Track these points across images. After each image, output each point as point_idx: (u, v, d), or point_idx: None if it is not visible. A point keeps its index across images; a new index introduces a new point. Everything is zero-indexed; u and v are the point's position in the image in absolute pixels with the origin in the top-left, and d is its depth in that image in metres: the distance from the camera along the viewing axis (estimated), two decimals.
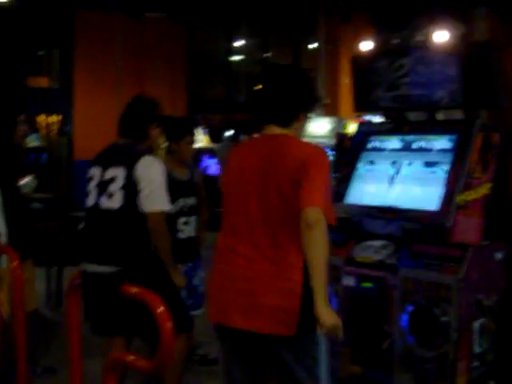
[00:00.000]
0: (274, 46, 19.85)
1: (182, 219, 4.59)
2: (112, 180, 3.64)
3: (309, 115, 3.11)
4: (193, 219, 4.66)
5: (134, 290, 2.67)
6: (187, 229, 4.61)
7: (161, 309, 2.25)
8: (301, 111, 2.98)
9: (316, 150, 2.90)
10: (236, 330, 2.83)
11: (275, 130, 2.94)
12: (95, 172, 3.72)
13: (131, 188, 3.59)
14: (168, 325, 2.19)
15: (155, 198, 3.63)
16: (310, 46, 16.57)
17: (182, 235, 4.56)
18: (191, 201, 4.66)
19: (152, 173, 3.65)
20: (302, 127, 3.04)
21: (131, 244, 3.63)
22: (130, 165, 3.62)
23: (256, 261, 2.80)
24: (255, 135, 3.10)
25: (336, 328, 2.73)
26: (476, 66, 3.95)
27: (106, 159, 3.75)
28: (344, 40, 12.51)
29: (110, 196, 3.62)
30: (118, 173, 3.63)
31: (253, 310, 2.78)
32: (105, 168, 3.69)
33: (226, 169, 3.11)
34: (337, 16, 12.74)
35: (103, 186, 3.65)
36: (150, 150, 4.04)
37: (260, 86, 3.10)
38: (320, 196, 2.73)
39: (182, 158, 4.74)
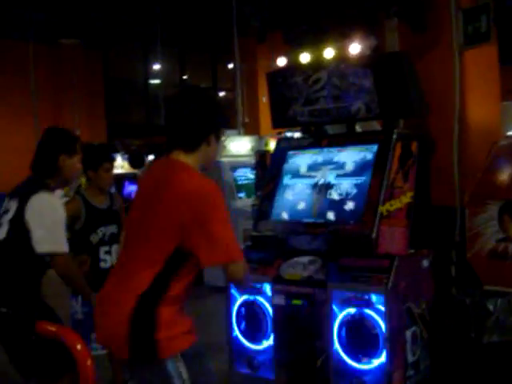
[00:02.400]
0: (192, 67, 19.84)
1: (104, 248, 4.45)
2: (6, 211, 3.56)
3: (221, 139, 3.01)
4: (115, 248, 4.52)
5: (50, 327, 2.54)
6: (109, 258, 4.47)
7: (79, 346, 2.14)
8: (208, 135, 2.82)
9: (210, 188, 2.66)
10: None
11: (180, 155, 2.77)
12: (5, 204, 3.63)
13: (18, 224, 3.47)
14: (88, 362, 2.08)
15: (48, 240, 3.50)
16: (229, 66, 16.63)
17: (104, 265, 4.42)
18: (112, 229, 4.54)
19: (43, 213, 3.54)
20: (213, 151, 2.89)
21: (12, 282, 3.47)
22: (21, 201, 3.51)
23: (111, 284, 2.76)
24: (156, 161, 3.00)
25: None
26: (389, 77, 3.98)
27: (13, 192, 3.66)
28: (261, 59, 12.57)
29: (1, 226, 3.54)
30: (12, 205, 3.54)
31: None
32: (9, 200, 3.61)
33: None
34: (252, 36, 12.79)
35: (1, 217, 3.59)
36: (65, 183, 3.93)
37: (165, 109, 3.03)
38: (236, 247, 2.58)
39: (100, 186, 4.62)
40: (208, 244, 2.51)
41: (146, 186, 2.83)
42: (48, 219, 3.53)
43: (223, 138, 3.11)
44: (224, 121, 3.04)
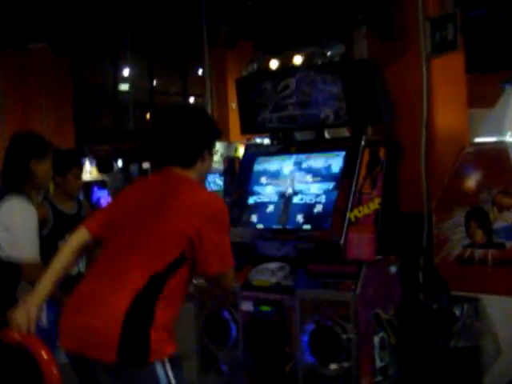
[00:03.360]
0: (162, 73, 19.76)
1: None
2: None
3: (213, 152, 3.06)
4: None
5: (15, 336, 2.49)
6: (76, 264, 4.42)
7: (45, 355, 2.11)
8: (202, 152, 2.90)
9: (218, 202, 2.85)
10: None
11: (177, 169, 2.87)
12: None
13: None
14: (54, 371, 2.05)
15: (17, 247, 3.47)
16: (199, 72, 16.60)
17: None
18: None
19: (12, 220, 3.49)
20: (207, 165, 2.98)
21: None
22: None
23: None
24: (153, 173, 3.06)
25: None
26: (358, 84, 4.01)
27: None
28: (230, 65, 12.55)
29: None
30: None
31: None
32: None
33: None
34: (221, 42, 12.78)
35: None
36: (38, 188, 3.88)
37: (156, 128, 3.05)
38: (230, 256, 2.79)
39: (68, 192, 4.57)
40: (212, 254, 2.70)
41: (146, 194, 2.87)
42: (16, 227, 3.48)
43: (215, 150, 3.15)
44: (216, 135, 3.07)
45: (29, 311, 2.68)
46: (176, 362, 2.61)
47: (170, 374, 2.55)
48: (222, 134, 3.27)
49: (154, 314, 2.57)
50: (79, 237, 2.93)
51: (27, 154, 3.74)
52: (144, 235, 2.73)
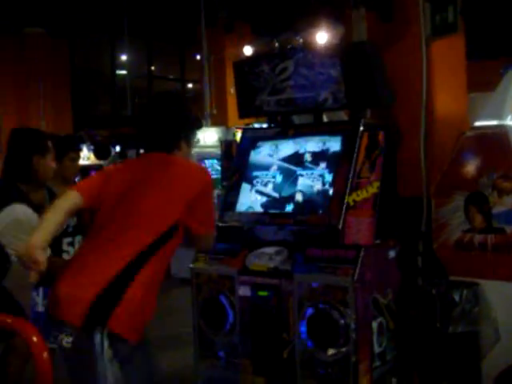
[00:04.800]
0: (160, 58, 19.70)
1: (67, 239, 4.39)
2: None
3: (192, 142, 3.14)
4: (78, 239, 4.45)
5: (5, 319, 2.47)
6: (72, 250, 4.40)
7: (35, 338, 2.08)
8: (178, 141, 3.05)
9: (207, 172, 3.15)
10: None
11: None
12: None
13: None
14: (44, 355, 2.03)
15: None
16: (197, 57, 16.53)
17: (67, 256, 4.35)
18: (76, 220, 4.46)
19: (13, 227, 3.52)
20: (185, 155, 3.11)
21: None
22: None
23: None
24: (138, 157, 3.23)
25: None
26: (357, 66, 3.96)
27: None
28: (228, 50, 12.49)
29: None
30: None
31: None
32: None
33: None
34: (219, 26, 12.71)
35: None
36: (40, 185, 3.89)
37: (138, 115, 3.19)
38: (213, 221, 3.22)
39: (65, 176, 4.57)
40: (204, 217, 3.02)
41: (135, 173, 2.99)
42: (18, 232, 3.50)
43: (195, 141, 3.24)
44: (194, 126, 3.11)
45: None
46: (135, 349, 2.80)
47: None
48: (202, 124, 3.35)
49: (129, 291, 2.74)
50: (72, 200, 2.98)
51: (29, 151, 3.74)
52: (137, 209, 2.86)
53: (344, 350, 3.63)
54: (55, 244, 4.28)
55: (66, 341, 2.72)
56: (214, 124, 10.40)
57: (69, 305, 2.74)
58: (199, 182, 2.97)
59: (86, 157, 11.79)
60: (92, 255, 2.86)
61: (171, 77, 20.21)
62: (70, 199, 2.95)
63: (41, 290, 4.28)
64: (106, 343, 2.71)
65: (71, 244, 4.42)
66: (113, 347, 2.74)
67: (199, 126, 3.35)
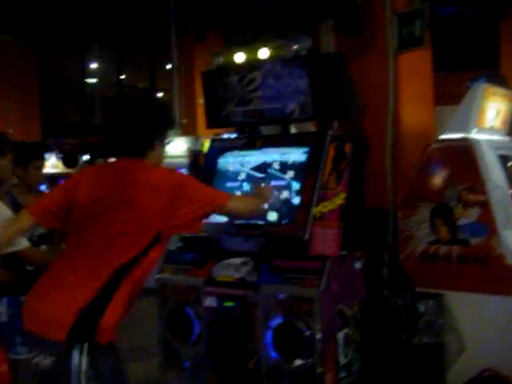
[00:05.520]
0: (130, 67, 19.62)
1: None
2: None
3: (165, 142, 3.05)
4: (43, 249, 4.39)
5: None
6: None
7: None
8: (152, 142, 2.94)
9: (174, 171, 3.04)
10: None
11: (127, 160, 2.93)
12: None
13: None
14: (4, 367, 2.00)
15: None
16: (167, 67, 16.51)
17: (30, 266, 4.29)
18: (41, 229, 4.41)
19: None
20: (159, 156, 3.01)
21: None
22: None
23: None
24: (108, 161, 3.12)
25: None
26: (324, 78, 3.98)
27: None
28: (199, 60, 12.47)
29: None
30: None
31: None
32: None
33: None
34: (190, 36, 12.69)
35: None
36: (1, 182, 3.84)
37: (108, 119, 3.10)
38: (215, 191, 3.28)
39: (29, 184, 4.52)
40: (199, 202, 2.91)
41: (103, 185, 2.88)
42: None
43: (168, 141, 3.15)
44: (167, 124, 3.05)
45: None
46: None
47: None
48: (174, 124, 3.30)
49: (108, 305, 2.70)
50: (21, 222, 3.04)
51: None
52: (111, 227, 2.77)
53: (310, 361, 3.62)
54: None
55: (45, 361, 2.72)
56: (184, 134, 10.37)
57: (51, 324, 2.68)
58: (167, 188, 2.83)
59: (55, 165, 11.67)
60: (71, 272, 2.78)
61: (141, 86, 20.16)
62: (19, 222, 3.05)
63: (5, 299, 4.22)
64: (84, 359, 2.68)
65: None
66: (93, 360, 2.70)
67: (172, 124, 3.27)
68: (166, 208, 2.80)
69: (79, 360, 2.66)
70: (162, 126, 3.01)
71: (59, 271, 2.85)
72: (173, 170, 3.01)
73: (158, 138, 2.96)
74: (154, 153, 2.95)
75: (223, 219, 4.11)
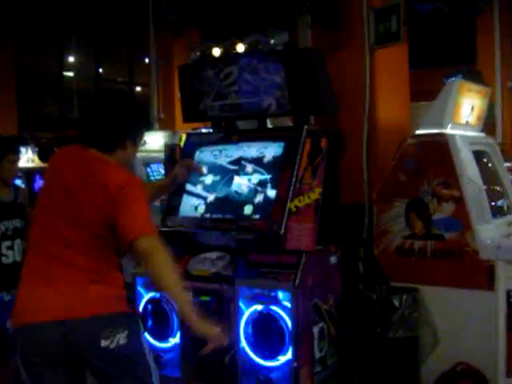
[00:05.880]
0: (108, 61, 19.49)
1: (6, 243, 4.30)
2: None
3: (139, 143, 2.99)
4: (18, 242, 4.37)
5: None
6: (11, 253, 4.32)
7: None
8: (124, 140, 2.88)
9: (130, 180, 2.79)
10: None
11: (94, 152, 2.85)
12: None
13: None
14: None
15: None
16: (146, 61, 16.42)
17: (6, 260, 4.28)
18: (15, 223, 4.39)
19: None
20: (129, 155, 2.94)
21: None
22: None
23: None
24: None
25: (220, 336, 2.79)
26: (300, 73, 3.98)
27: None
28: (178, 54, 12.42)
29: None
30: None
31: None
32: None
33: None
34: (168, 30, 12.65)
35: None
36: None
37: (82, 111, 3.05)
38: (149, 222, 2.70)
39: (4, 178, 4.49)
40: (133, 223, 2.66)
41: (69, 176, 2.81)
42: None
43: (142, 142, 3.08)
44: (142, 125, 3.00)
45: None
46: None
47: None
48: (149, 125, 3.22)
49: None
50: None
51: None
52: (78, 214, 2.73)
53: (285, 355, 3.63)
54: None
55: (123, 337, 2.71)
56: (162, 128, 10.34)
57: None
58: (113, 191, 2.69)
59: (31, 159, 11.56)
60: (58, 265, 2.74)
61: (119, 79, 20.03)
62: None
63: None
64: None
65: (11, 248, 4.33)
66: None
67: (147, 126, 3.21)
68: (105, 211, 2.71)
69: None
70: (136, 125, 2.96)
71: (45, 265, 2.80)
72: (132, 177, 2.82)
73: (130, 137, 2.90)
74: (124, 152, 2.89)
75: (199, 214, 4.11)
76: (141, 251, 2.63)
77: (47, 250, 2.77)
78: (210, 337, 2.74)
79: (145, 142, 8.78)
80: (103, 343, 2.66)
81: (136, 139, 2.94)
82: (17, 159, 4.62)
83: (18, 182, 7.43)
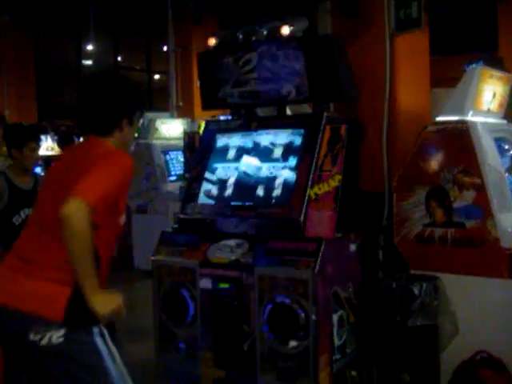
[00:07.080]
0: (126, 49, 19.52)
1: None
2: None
3: (136, 123, 2.96)
4: None
5: None
6: None
7: None
8: (119, 121, 2.84)
9: (117, 152, 2.76)
10: None
11: (94, 138, 2.85)
12: None
13: None
14: None
15: None
16: (164, 49, 16.43)
17: None
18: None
19: None
20: (127, 136, 2.91)
21: None
22: None
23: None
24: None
25: (117, 310, 2.60)
26: (320, 60, 3.96)
27: None
28: (196, 42, 12.42)
29: None
30: None
31: None
32: None
33: None
34: (187, 18, 12.64)
35: None
36: None
37: (78, 95, 3.01)
38: (95, 192, 2.52)
39: (24, 165, 4.53)
40: (82, 178, 2.52)
41: (63, 164, 2.86)
42: None
43: (139, 122, 3.02)
44: (135, 104, 2.95)
45: None
46: None
47: None
48: (144, 104, 3.12)
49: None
50: None
51: None
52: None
53: (304, 342, 3.63)
54: (15, 235, 4.24)
55: (57, 336, 2.60)
56: (180, 116, 10.35)
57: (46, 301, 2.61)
58: (93, 158, 2.65)
59: (50, 147, 11.63)
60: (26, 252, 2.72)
61: (137, 67, 20.06)
62: None
63: None
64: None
65: None
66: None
67: (142, 105, 3.09)
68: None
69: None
70: (128, 104, 2.89)
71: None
72: (119, 154, 2.75)
73: (126, 117, 2.86)
74: (121, 133, 2.85)
75: (218, 201, 4.11)
76: (65, 211, 2.44)
77: (28, 232, 2.82)
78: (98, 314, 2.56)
79: (157, 130, 8.81)
80: (32, 337, 2.59)
81: (132, 119, 2.89)
82: (37, 147, 4.65)
83: (38, 169, 7.48)
